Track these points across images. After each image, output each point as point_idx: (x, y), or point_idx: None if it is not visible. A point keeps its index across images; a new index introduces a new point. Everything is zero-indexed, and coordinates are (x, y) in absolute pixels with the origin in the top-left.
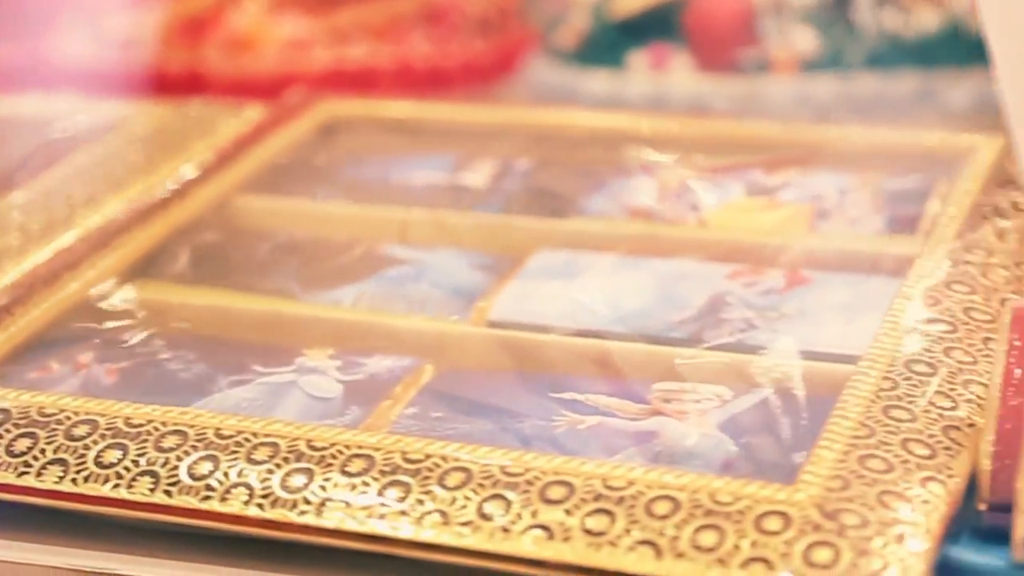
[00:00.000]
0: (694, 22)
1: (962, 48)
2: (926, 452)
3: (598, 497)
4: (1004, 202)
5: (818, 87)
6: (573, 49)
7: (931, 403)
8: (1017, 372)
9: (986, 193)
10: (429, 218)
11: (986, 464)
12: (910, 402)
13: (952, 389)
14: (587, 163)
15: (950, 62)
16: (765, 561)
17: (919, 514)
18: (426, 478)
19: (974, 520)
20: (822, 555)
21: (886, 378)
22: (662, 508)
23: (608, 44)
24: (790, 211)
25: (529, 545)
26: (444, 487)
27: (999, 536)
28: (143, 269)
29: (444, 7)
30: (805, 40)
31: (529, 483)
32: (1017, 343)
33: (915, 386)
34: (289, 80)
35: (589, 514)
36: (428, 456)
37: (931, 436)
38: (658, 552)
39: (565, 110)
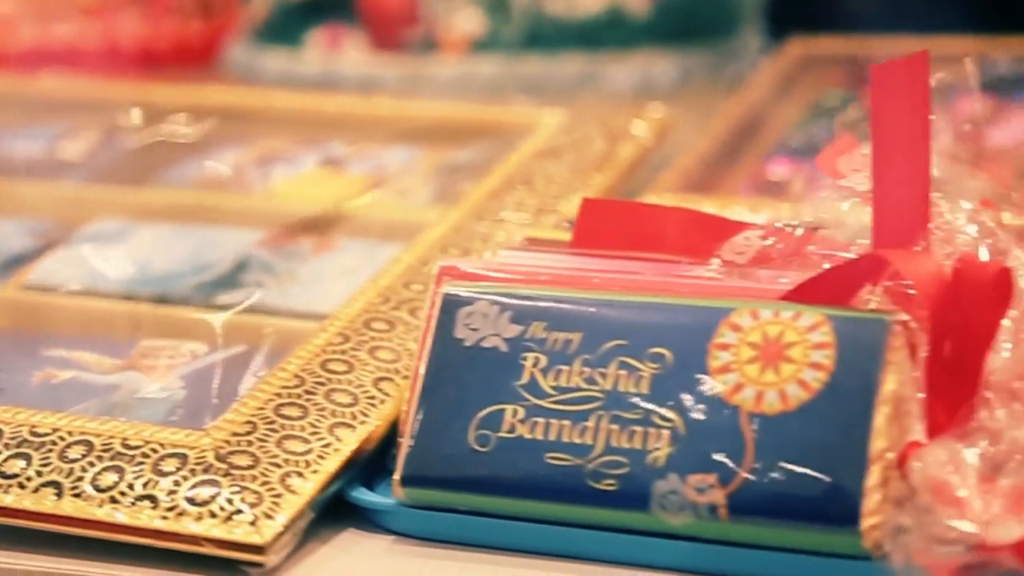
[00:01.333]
0: (366, 2)
1: (625, 31)
2: (349, 400)
3: (22, 443)
4: (538, 173)
5: (484, 67)
6: (260, 28)
7: (373, 356)
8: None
9: (524, 165)
10: None
11: (404, 411)
12: (353, 355)
13: (401, 344)
14: (188, 136)
15: (613, 45)
16: (152, 498)
17: (315, 456)
18: None
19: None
20: (203, 493)
21: (340, 334)
22: (75, 452)
23: (288, 24)
24: (349, 182)
25: None
26: None
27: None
28: None
29: None
30: (471, 21)
31: None
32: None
33: (364, 341)
34: None
35: (8, 458)
36: None
37: (360, 387)
38: (59, 493)
39: (176, 86)
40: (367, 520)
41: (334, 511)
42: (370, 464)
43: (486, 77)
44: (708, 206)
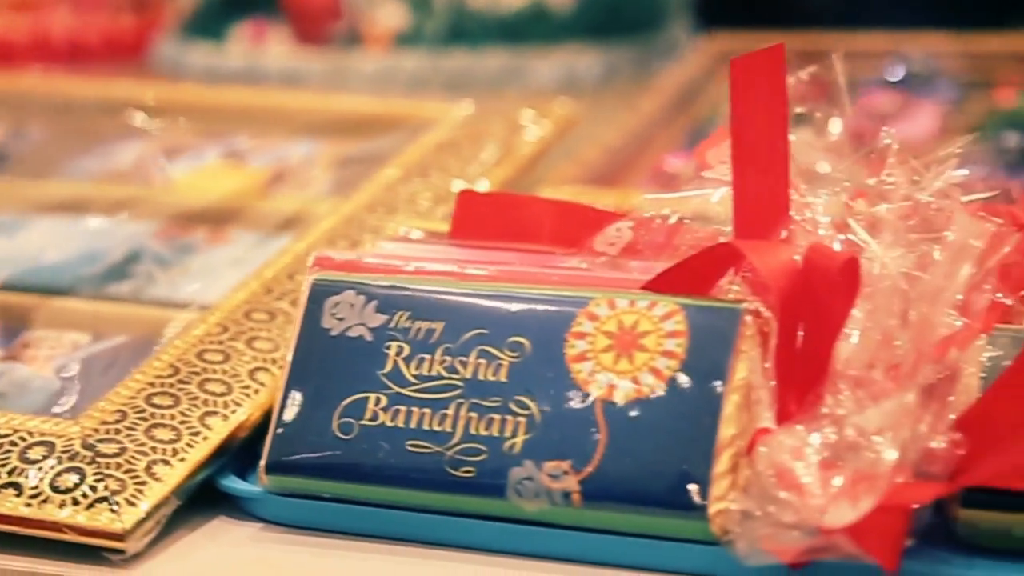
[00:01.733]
0: None
1: (548, 26)
2: (222, 390)
3: None
4: (435, 166)
5: (407, 62)
6: (186, 23)
7: (251, 346)
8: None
9: (422, 157)
10: None
11: (277, 400)
12: (231, 345)
13: (280, 334)
14: (95, 130)
15: (536, 39)
16: (16, 486)
17: (183, 444)
18: None
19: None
20: (68, 480)
21: (220, 324)
22: None
23: (213, 18)
24: (250, 175)
25: None
26: None
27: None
28: None
29: None
30: (395, 16)
31: None
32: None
33: (242, 332)
34: None
35: None
36: None
37: (235, 376)
38: None
39: (83, 79)
40: (239, 508)
41: (207, 499)
42: (246, 453)
43: (409, 72)
44: (607, 198)
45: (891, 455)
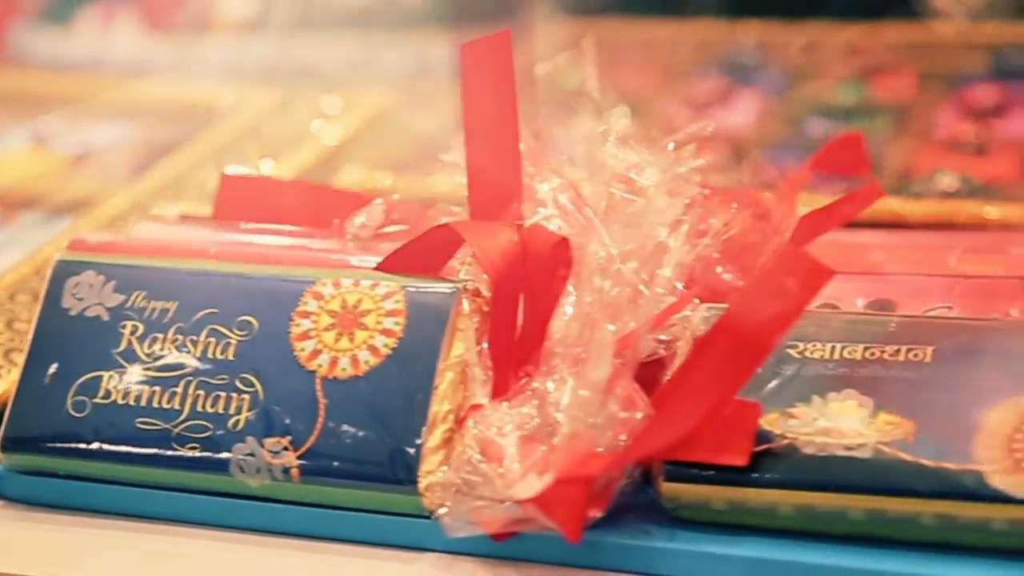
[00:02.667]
0: None
1: (400, 13)
2: None
3: None
4: (231, 152)
5: (256, 49)
6: (39, 8)
7: (10, 328)
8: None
9: (220, 143)
10: None
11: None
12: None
13: None
14: None
15: (388, 26)
16: None
17: None
18: None
19: None
20: None
21: None
22: None
23: (63, 3)
24: (52, 159)
25: None
26: None
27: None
28: None
29: None
30: (244, 3)
31: None
32: None
33: (1, 313)
34: None
35: None
36: None
37: None
38: None
39: None
40: None
41: None
42: None
43: (258, 59)
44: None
45: (569, 428)
